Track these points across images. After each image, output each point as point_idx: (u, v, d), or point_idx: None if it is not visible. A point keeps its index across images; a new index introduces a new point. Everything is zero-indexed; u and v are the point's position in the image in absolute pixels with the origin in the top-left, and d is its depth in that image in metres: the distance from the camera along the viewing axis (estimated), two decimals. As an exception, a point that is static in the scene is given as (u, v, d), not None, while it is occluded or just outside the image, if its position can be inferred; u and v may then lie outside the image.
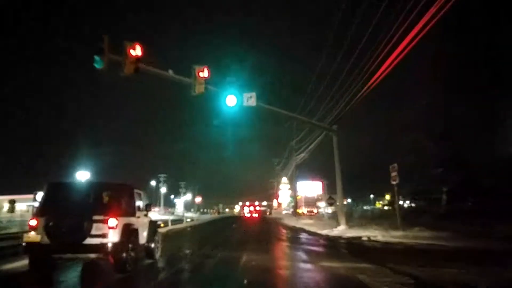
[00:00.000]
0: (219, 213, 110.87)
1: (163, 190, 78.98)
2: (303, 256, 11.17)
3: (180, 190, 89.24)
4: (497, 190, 22.47)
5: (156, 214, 52.97)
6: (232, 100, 14.55)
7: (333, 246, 14.82)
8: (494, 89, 23.51)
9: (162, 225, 29.39)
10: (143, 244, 9.16)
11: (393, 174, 17.66)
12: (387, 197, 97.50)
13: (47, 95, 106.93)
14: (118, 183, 8.98)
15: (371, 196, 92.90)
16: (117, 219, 7.45)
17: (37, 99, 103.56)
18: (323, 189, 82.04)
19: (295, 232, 22.55)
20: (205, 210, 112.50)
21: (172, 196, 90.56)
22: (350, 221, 24.30)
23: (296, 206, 50.01)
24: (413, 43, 13.31)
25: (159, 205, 77.27)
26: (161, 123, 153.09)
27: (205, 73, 13.65)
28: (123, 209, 8.11)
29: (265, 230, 24.67)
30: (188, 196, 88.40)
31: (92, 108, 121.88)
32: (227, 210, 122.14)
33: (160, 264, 9.58)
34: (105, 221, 7.33)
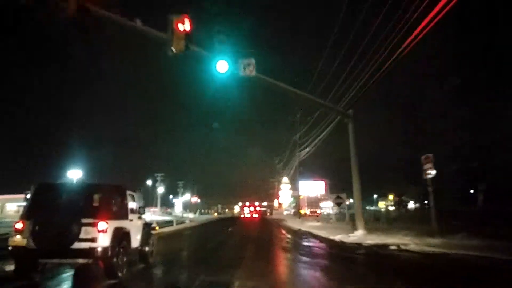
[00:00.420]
0: (218, 213, 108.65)
1: (161, 189, 77.46)
2: (323, 280, 7.66)
3: (178, 190, 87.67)
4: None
5: (150, 215, 50.20)
6: (224, 66, 11.06)
7: (358, 259, 11.32)
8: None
9: (157, 228, 26.82)
10: (136, 248, 8.78)
11: (427, 166, 14.14)
12: (390, 197, 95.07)
13: (44, 94, 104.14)
14: (109, 185, 8.47)
15: (375, 196, 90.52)
16: (107, 222, 7.11)
17: (33, 98, 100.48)
18: (325, 189, 79.17)
19: (301, 237, 18.94)
20: (203, 211, 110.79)
21: (170, 196, 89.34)
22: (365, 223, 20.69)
23: (298, 207, 46.28)
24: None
25: (156, 205, 75.07)
26: (161, 123, 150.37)
27: (186, 26, 10.08)
28: (114, 212, 7.75)
29: (266, 235, 21.06)
30: (187, 196, 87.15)
31: (89, 107, 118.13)
32: (227, 210, 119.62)
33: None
34: (94, 225, 7.00)
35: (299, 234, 20.94)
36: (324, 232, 19.79)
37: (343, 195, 28.55)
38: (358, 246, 14.15)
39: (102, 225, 7.01)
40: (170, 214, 69.70)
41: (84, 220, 6.96)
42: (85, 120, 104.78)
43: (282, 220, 41.65)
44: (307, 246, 14.88)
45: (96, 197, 7.69)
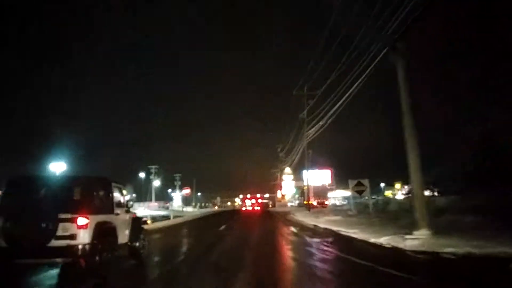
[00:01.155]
0: (218, 206, 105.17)
1: (156, 183, 75.46)
2: None
3: (176, 183, 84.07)
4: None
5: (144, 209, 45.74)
6: None
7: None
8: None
9: (149, 222, 22.48)
10: (126, 244, 8.20)
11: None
12: (397, 185, 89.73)
13: (39, 80, 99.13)
14: (92, 177, 7.97)
15: (382, 184, 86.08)
16: (87, 218, 6.45)
17: (28, 86, 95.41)
18: (331, 178, 73.52)
19: (325, 241, 12.49)
20: (203, 204, 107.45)
21: (169, 190, 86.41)
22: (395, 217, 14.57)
23: (308, 197, 40.11)
24: None
25: (150, 199, 72.04)
26: (161, 119, 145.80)
27: None
28: (97, 206, 7.14)
29: (272, 238, 14.69)
30: (187, 190, 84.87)
31: (79, 100, 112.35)
32: (229, 203, 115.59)
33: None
34: (73, 220, 6.33)
35: (318, 235, 14.63)
36: (355, 231, 13.60)
37: (365, 181, 22.57)
38: (435, 259, 8.00)
39: (81, 220, 6.38)
40: (167, 208, 65.95)
41: (62, 215, 6.33)
42: (74, 113, 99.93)
43: (288, 213, 35.22)
44: (344, 260, 8.64)
45: (76, 190, 7.03)
